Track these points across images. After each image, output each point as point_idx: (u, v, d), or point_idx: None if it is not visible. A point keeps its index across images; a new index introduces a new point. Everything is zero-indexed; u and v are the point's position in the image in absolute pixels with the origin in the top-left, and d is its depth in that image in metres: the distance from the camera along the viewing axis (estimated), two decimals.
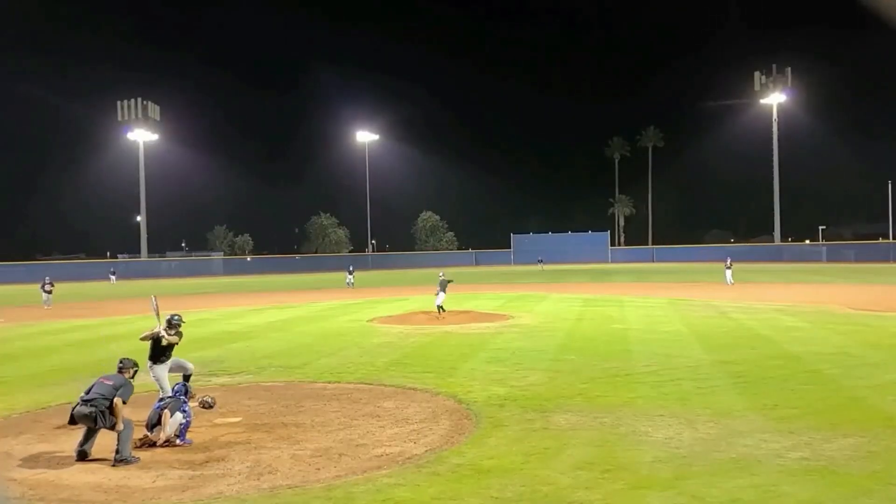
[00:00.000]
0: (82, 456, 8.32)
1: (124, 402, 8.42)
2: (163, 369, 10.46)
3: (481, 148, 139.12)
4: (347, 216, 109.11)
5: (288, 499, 6.85)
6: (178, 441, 8.93)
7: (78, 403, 8.31)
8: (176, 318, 10.69)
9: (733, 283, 38.41)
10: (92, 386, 8.48)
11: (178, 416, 9.00)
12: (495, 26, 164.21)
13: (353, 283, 47.33)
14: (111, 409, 8.26)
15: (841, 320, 21.11)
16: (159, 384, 10.37)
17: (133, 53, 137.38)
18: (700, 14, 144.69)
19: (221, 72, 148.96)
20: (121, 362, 9.04)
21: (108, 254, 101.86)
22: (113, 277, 68.25)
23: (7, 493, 7.24)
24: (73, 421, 8.43)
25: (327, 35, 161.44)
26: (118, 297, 43.41)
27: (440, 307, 24.46)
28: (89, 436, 8.39)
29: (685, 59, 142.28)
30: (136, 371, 9.09)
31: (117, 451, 8.15)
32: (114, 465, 8.04)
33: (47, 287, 34.74)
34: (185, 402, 9.18)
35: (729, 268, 39.73)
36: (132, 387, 8.77)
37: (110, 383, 8.51)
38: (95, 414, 8.18)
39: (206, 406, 9.89)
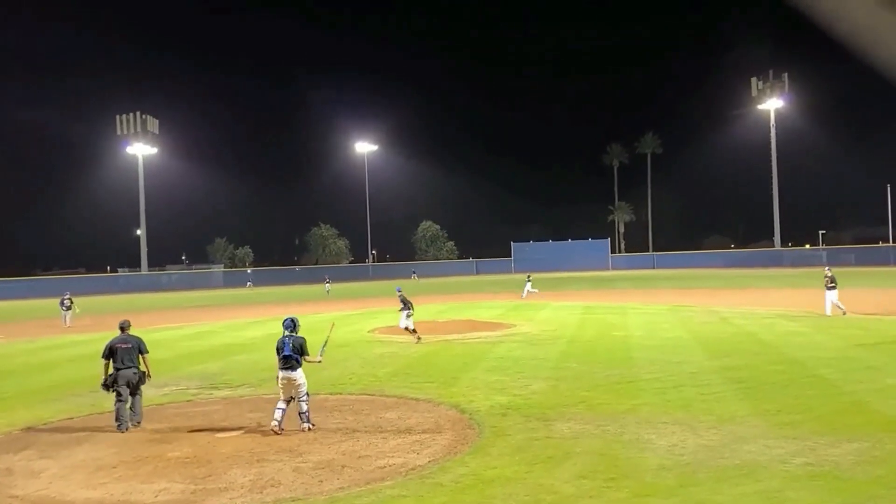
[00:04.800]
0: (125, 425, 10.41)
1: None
2: None
3: (480, 156, 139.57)
4: (347, 227, 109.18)
5: None
6: (309, 426, 10.01)
7: (118, 370, 10.40)
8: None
9: (528, 294, 40.08)
10: (115, 353, 10.50)
11: (303, 377, 10.08)
12: (494, 34, 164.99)
13: (329, 291, 49.21)
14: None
15: (842, 324, 21.08)
16: None
17: (132, 68, 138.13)
18: (697, 19, 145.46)
19: (220, 84, 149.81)
20: (123, 323, 11.08)
21: (109, 268, 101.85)
22: (250, 283, 70.35)
23: None
24: (113, 386, 10.40)
25: (325, 46, 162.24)
26: (129, 310, 43.35)
27: (412, 329, 20.27)
28: (122, 408, 10.41)
29: (682, 65, 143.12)
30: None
31: (131, 419, 10.50)
32: (137, 425, 10.47)
33: (66, 302, 32.12)
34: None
35: (529, 280, 41.90)
36: (141, 338, 10.97)
37: (129, 346, 10.64)
38: (138, 374, 10.57)
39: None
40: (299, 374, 9.99)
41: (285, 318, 10.46)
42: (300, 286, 74.80)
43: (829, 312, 22.68)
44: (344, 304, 41.09)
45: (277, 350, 10.14)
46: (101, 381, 10.53)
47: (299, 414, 10.03)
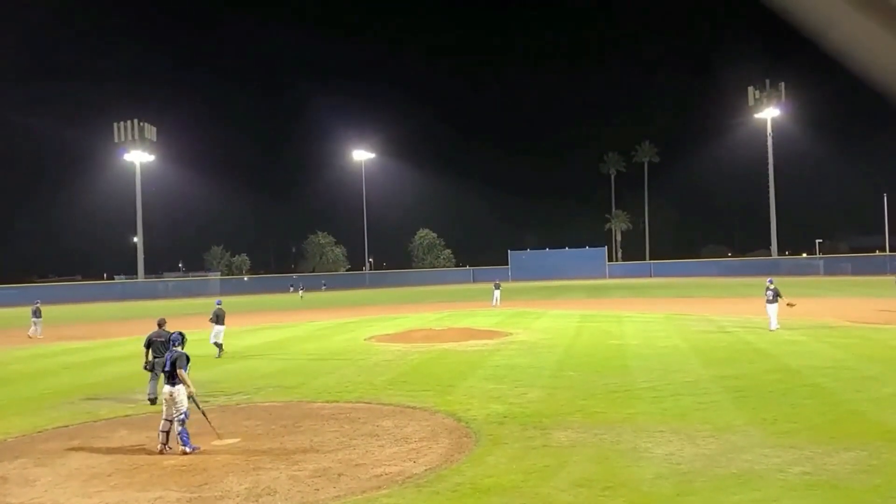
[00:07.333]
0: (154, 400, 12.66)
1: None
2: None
3: (478, 165, 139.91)
4: (344, 234, 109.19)
5: None
6: (186, 448, 9.37)
7: (155, 357, 12.56)
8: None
9: (497, 305, 40.40)
10: (151, 343, 12.82)
11: (184, 394, 9.70)
12: (491, 43, 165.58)
13: (302, 296, 52.65)
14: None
15: (839, 333, 21.11)
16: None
17: (130, 76, 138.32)
18: (694, 29, 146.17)
19: (217, 92, 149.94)
20: (160, 320, 13.51)
21: (105, 275, 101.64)
22: (300, 291, 70.04)
23: None
24: (152, 369, 12.75)
25: (323, 53, 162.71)
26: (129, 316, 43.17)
27: (218, 345, 20.14)
28: (155, 385, 12.68)
29: (680, 74, 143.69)
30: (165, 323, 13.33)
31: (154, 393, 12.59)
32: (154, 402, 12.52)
33: (37, 311, 29.78)
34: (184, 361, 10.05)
35: (497, 288, 42.34)
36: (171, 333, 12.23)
37: (162, 339, 12.58)
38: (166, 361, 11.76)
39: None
40: (175, 391, 9.70)
41: (173, 332, 10.66)
42: (296, 294, 74.71)
43: (773, 326, 22.22)
44: (341, 312, 41.03)
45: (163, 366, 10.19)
46: (143, 363, 13.00)
47: (178, 435, 9.57)
